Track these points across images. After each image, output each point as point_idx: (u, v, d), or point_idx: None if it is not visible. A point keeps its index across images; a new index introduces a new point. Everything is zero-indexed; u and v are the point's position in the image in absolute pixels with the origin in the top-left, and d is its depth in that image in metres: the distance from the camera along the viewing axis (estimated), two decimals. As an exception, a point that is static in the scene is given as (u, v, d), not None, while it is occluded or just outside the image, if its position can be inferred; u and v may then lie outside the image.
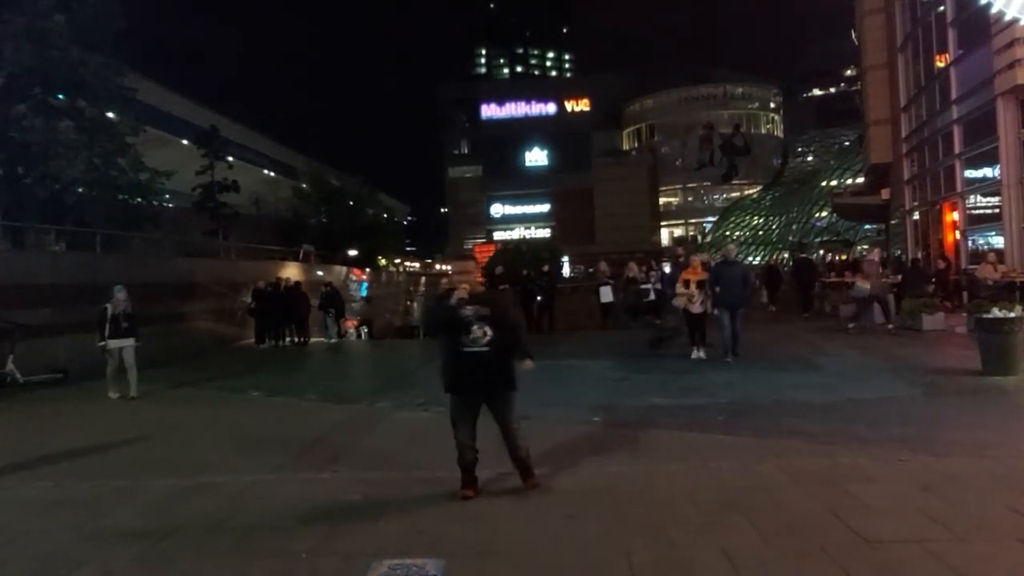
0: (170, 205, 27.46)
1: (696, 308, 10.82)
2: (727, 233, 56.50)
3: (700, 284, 10.73)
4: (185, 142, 33.22)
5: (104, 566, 4.02)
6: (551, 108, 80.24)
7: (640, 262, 18.28)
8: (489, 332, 4.76)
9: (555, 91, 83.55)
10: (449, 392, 4.95)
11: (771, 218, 57.04)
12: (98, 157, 17.44)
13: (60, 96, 17.37)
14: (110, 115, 18.07)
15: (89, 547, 4.31)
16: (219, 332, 18.88)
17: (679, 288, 10.99)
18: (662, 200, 77.90)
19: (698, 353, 10.90)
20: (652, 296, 14.68)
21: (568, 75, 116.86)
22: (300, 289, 18.60)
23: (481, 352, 4.74)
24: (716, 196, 75.83)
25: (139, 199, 19.40)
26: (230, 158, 33.17)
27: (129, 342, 9.76)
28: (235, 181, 31.07)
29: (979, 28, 17.25)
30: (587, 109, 79.74)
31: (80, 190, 17.54)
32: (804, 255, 26.83)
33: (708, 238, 61.05)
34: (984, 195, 19.34)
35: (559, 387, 8.93)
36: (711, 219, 70.13)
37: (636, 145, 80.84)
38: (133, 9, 18.41)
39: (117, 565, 4.03)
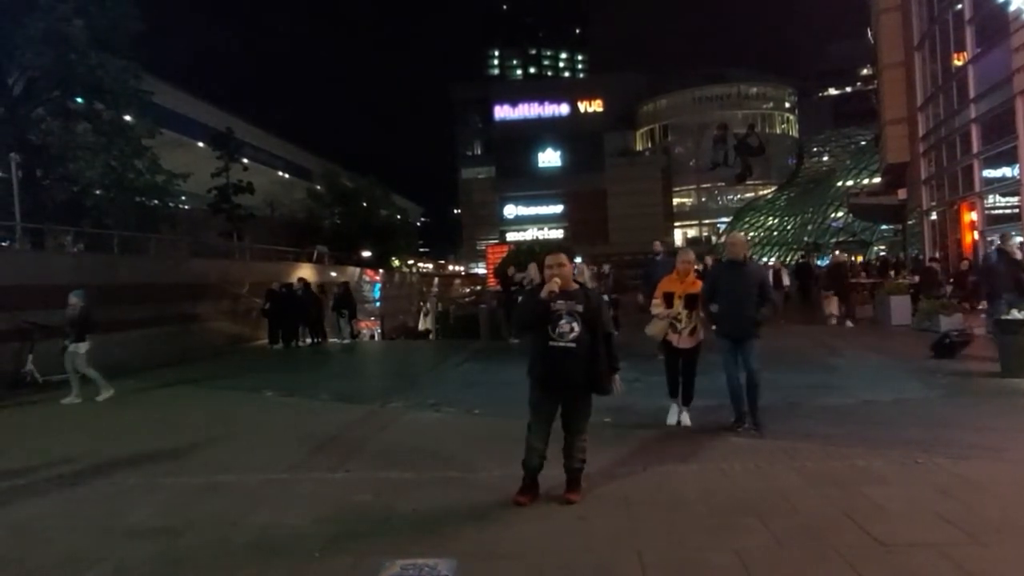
0: (186, 207, 27.78)
1: (684, 341, 6.64)
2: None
3: (691, 300, 6.62)
4: (201, 144, 33.57)
5: (119, 563, 4.06)
6: (564, 109, 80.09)
7: (595, 263, 16.41)
8: (577, 328, 4.59)
9: (568, 92, 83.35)
10: (534, 386, 4.75)
11: (786, 219, 56.61)
12: (115, 159, 17.69)
13: (78, 99, 17.64)
14: (127, 118, 18.32)
15: (105, 544, 4.36)
16: (233, 332, 19.03)
17: (655, 306, 6.82)
18: (676, 201, 77.58)
19: (679, 416, 6.78)
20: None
21: (581, 76, 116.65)
22: (311, 290, 18.71)
23: (567, 348, 4.58)
24: (730, 197, 75.40)
25: (155, 201, 19.64)
26: (245, 160, 33.53)
27: (74, 347, 9.84)
28: (250, 183, 31.37)
29: (997, 26, 17.08)
30: (600, 110, 79.51)
31: (98, 192, 17.78)
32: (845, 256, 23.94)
33: (722, 238, 60.70)
34: (1003, 195, 19.13)
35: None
36: (725, 220, 69.71)
37: (650, 146, 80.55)
38: (149, 13, 18.64)
39: (132, 562, 4.07)
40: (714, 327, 6.54)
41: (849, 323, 16.12)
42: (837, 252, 21.20)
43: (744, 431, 6.29)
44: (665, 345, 6.82)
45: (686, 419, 6.73)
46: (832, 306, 17.46)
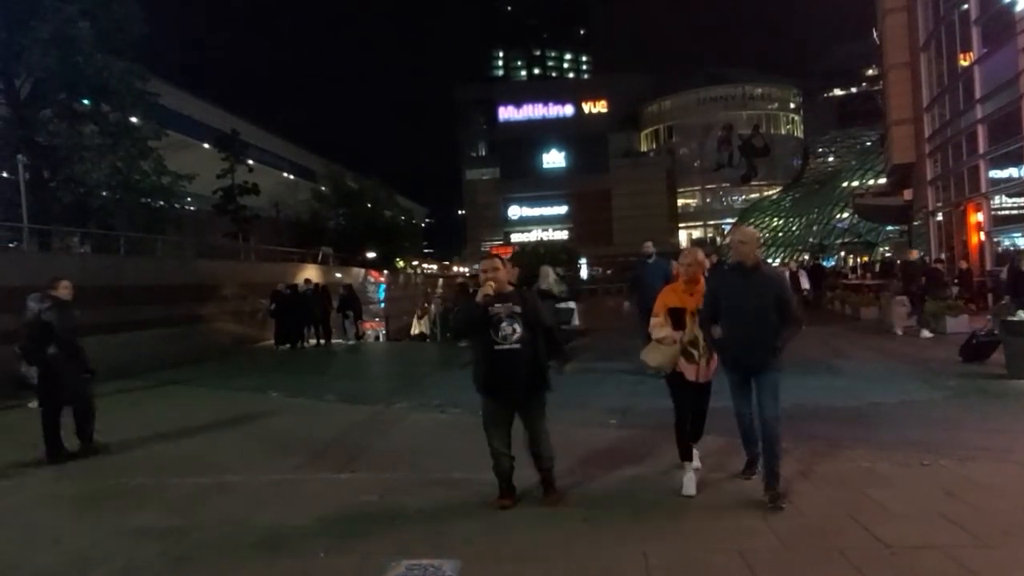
0: (191, 208, 27.82)
1: (705, 373, 4.92)
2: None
3: (702, 317, 4.89)
4: (206, 145, 33.67)
5: (128, 563, 4.08)
6: (568, 110, 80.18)
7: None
8: (519, 329, 4.61)
9: (573, 92, 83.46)
10: (481, 393, 4.78)
11: (791, 219, 56.56)
12: (121, 161, 17.74)
13: (85, 101, 17.71)
14: (133, 119, 18.38)
15: (113, 544, 4.38)
16: (239, 333, 19.09)
17: (658, 326, 5.06)
18: (680, 202, 77.59)
19: (689, 473, 4.94)
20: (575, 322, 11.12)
21: (585, 76, 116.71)
22: (318, 291, 18.75)
23: (513, 350, 4.60)
24: (735, 197, 75.38)
25: (161, 202, 19.69)
26: (250, 161, 33.59)
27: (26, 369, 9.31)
28: (255, 184, 31.43)
29: (1004, 26, 17.02)
30: (605, 110, 79.59)
31: (104, 193, 17.85)
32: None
33: (727, 239, 60.63)
34: (1009, 196, 19.05)
35: (575, 389, 8.89)
36: (730, 221, 69.66)
37: (654, 146, 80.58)
38: (154, 15, 18.72)
39: (140, 562, 4.09)
40: (717, 359, 4.90)
41: (926, 333, 13.15)
42: (912, 250, 18.33)
43: (771, 498, 4.48)
44: (674, 380, 4.99)
45: (697, 462, 5.21)
46: (901, 313, 14.22)
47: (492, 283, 4.67)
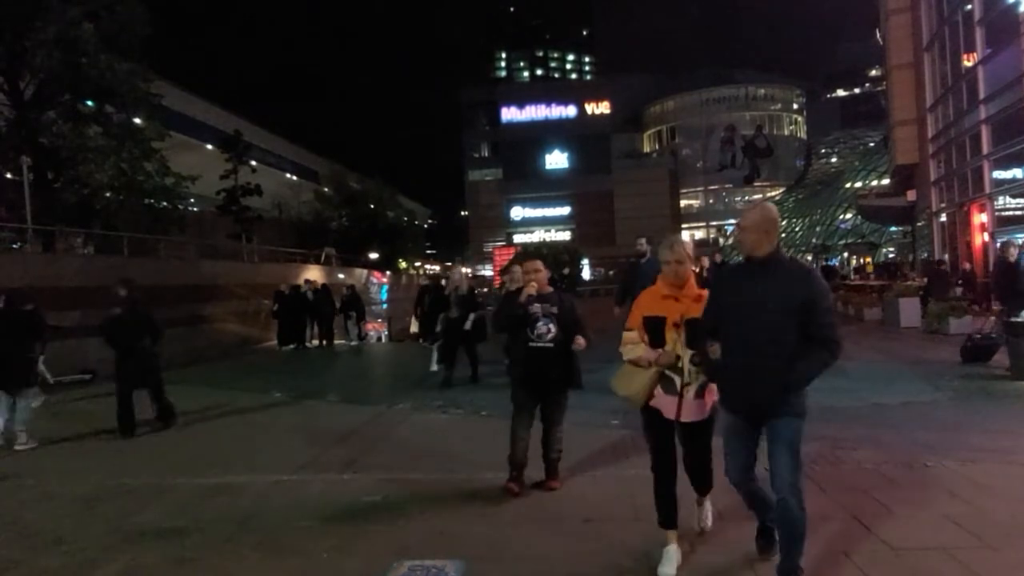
0: (195, 209, 27.89)
1: (690, 409, 3.65)
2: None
3: (693, 330, 3.53)
4: (209, 147, 33.77)
5: (131, 562, 4.09)
6: (571, 111, 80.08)
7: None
8: (554, 329, 4.89)
9: (575, 93, 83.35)
10: (514, 385, 5.08)
11: (794, 220, 56.49)
12: (125, 162, 17.80)
13: (89, 102, 17.77)
14: (137, 121, 18.44)
15: (117, 544, 4.39)
16: (242, 334, 19.12)
17: (629, 345, 3.79)
18: (683, 202, 77.51)
19: (671, 547, 3.67)
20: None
21: (588, 77, 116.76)
22: (321, 292, 18.77)
23: (546, 348, 4.88)
24: (738, 198, 75.21)
25: (165, 203, 19.76)
26: (253, 162, 33.67)
27: None
28: (258, 185, 31.50)
29: (1008, 27, 16.99)
30: (608, 111, 79.47)
31: (108, 194, 17.91)
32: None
33: (730, 240, 60.57)
34: (1013, 197, 19.01)
35: (577, 390, 8.90)
36: (733, 221, 69.51)
37: (657, 147, 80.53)
38: (158, 16, 18.78)
39: (144, 562, 4.10)
40: (716, 391, 3.54)
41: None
42: (1011, 247, 13.88)
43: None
44: (650, 416, 3.72)
45: (708, 519, 4.08)
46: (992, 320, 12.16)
47: (535, 283, 4.96)
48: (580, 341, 4.93)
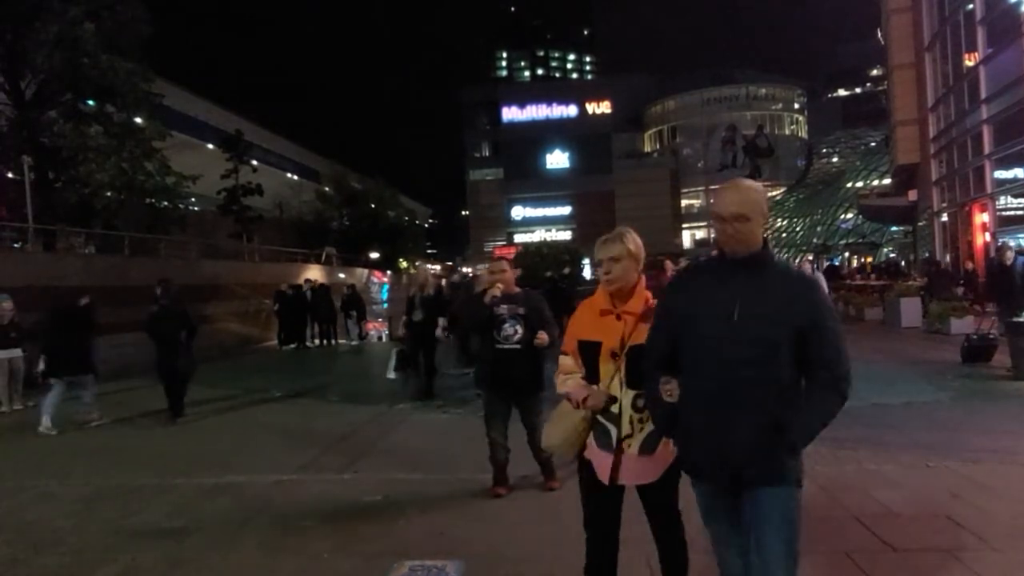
0: (195, 208, 27.88)
1: (633, 467, 2.61)
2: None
3: (638, 363, 2.50)
4: (210, 146, 33.74)
5: (132, 562, 4.08)
6: (572, 110, 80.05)
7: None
8: (520, 330, 4.79)
9: (576, 93, 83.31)
10: (483, 388, 5.04)
11: (795, 220, 56.44)
12: (126, 161, 17.80)
13: (90, 102, 17.77)
14: (138, 120, 18.44)
15: (116, 544, 4.38)
16: (243, 333, 19.12)
17: (559, 372, 2.85)
18: (684, 202, 77.45)
19: None
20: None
21: (589, 77, 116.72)
22: (320, 292, 18.76)
23: (513, 350, 4.79)
24: (739, 198, 75.05)
25: (165, 203, 19.76)
26: (254, 162, 33.64)
27: (16, 352, 9.73)
28: (259, 184, 31.48)
29: (1009, 26, 16.97)
30: (608, 111, 79.43)
31: (109, 194, 17.91)
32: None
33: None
34: (1015, 196, 18.99)
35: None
36: (733, 222, 69.41)
37: (658, 147, 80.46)
38: (159, 16, 18.78)
39: (144, 562, 4.09)
40: (672, 445, 2.51)
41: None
42: (1006, 250, 13.63)
43: None
44: (585, 474, 2.76)
45: None
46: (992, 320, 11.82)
47: (500, 284, 4.84)
48: (543, 336, 4.72)
